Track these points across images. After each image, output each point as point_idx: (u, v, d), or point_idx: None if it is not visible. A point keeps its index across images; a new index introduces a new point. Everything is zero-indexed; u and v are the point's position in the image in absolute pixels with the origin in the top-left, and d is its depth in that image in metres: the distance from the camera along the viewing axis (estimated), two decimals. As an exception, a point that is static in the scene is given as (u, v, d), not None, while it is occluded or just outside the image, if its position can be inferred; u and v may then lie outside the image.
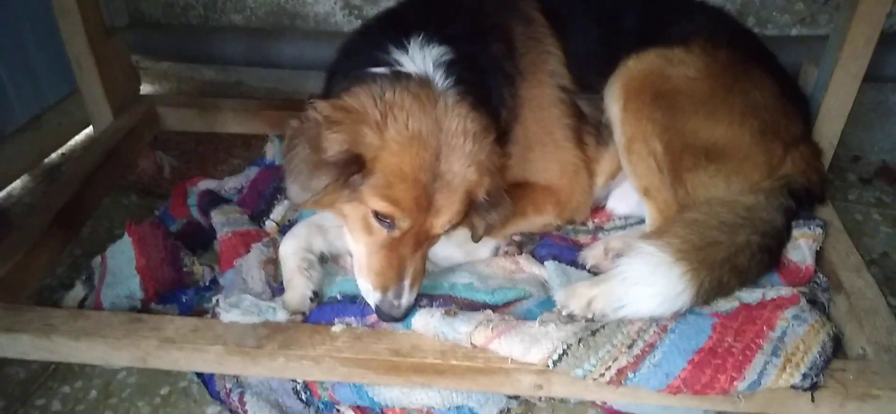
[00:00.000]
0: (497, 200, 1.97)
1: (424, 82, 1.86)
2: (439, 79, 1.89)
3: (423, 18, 2.08)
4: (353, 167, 1.76)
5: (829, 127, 2.46)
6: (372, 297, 1.85)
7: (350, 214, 1.88)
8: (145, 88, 3.73)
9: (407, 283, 1.83)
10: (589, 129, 2.34)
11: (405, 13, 2.22)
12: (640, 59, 2.23)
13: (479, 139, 1.85)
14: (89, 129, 3.31)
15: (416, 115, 1.78)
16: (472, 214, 1.95)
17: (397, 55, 1.92)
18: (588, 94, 2.32)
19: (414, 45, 1.95)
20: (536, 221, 2.28)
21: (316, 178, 1.76)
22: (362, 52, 2.02)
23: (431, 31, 1.99)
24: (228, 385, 1.99)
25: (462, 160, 1.81)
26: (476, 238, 2.07)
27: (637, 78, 2.20)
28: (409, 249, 1.83)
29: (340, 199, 1.85)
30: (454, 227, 1.90)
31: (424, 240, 1.88)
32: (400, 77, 1.85)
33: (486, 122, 1.90)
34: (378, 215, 1.80)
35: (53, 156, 3.31)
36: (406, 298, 1.82)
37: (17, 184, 3.12)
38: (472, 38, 2.09)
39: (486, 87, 2.04)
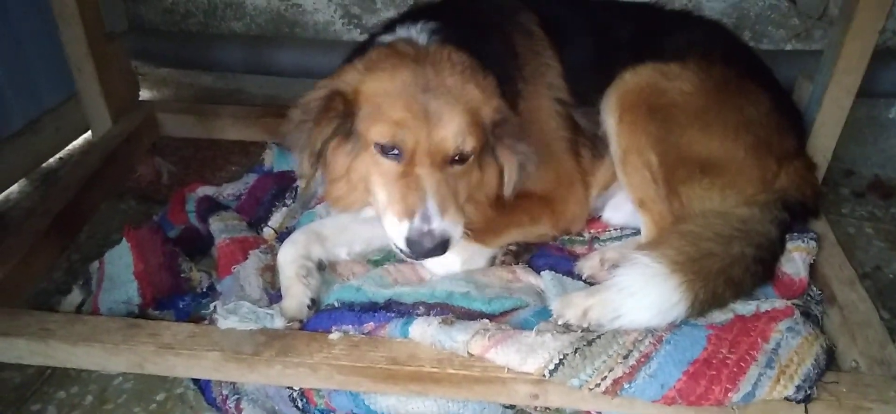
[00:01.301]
0: (515, 130, 1.95)
1: (406, 40, 1.96)
2: (427, 38, 1.99)
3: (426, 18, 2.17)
4: (338, 105, 1.85)
5: (823, 141, 2.48)
6: (400, 232, 1.79)
7: (363, 170, 1.92)
8: (144, 94, 3.73)
9: (433, 204, 1.77)
10: (585, 141, 2.37)
11: (408, 16, 2.27)
12: (636, 72, 2.25)
13: (475, 70, 1.89)
14: (88, 134, 3.32)
15: (392, 54, 1.90)
16: (497, 148, 1.94)
17: (390, 34, 2.03)
18: (584, 107, 2.35)
19: (410, 25, 2.05)
20: (533, 231, 2.29)
21: (309, 133, 1.86)
22: (361, 47, 2.13)
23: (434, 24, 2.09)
24: (225, 392, 1.99)
25: (454, 77, 1.84)
26: (510, 185, 2.02)
27: (633, 91, 2.22)
28: (426, 169, 1.81)
29: (346, 156, 1.91)
30: (472, 151, 1.85)
31: (441, 159, 1.82)
32: (383, 44, 1.98)
33: (483, 68, 1.94)
34: (383, 149, 1.83)
35: (51, 160, 3.31)
36: (437, 223, 1.76)
37: (14, 188, 3.12)
38: (473, 33, 2.15)
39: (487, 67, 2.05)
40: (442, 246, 1.79)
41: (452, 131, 1.81)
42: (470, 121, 1.84)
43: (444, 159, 1.84)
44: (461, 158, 1.88)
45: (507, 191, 2.04)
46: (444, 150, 1.83)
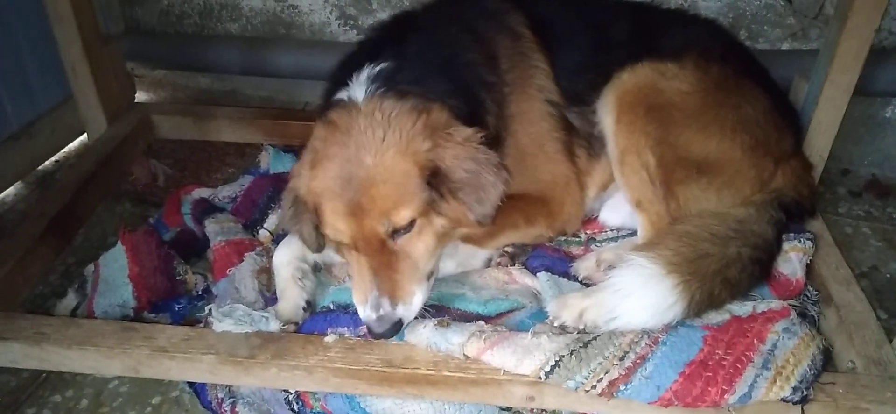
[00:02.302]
0: (469, 177, 1.86)
1: (346, 104, 1.93)
2: (365, 93, 1.94)
3: (393, 38, 2.18)
4: (302, 208, 1.92)
5: (820, 140, 2.48)
6: (361, 314, 1.83)
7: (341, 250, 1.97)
8: (140, 96, 3.72)
9: (375, 295, 1.78)
10: (580, 142, 2.36)
11: (380, 34, 2.29)
12: (633, 72, 2.25)
13: (400, 122, 1.83)
14: (83, 137, 3.31)
15: (327, 138, 1.86)
16: (448, 199, 1.86)
17: (343, 91, 2.00)
18: (578, 107, 2.34)
19: (359, 74, 2.01)
20: (529, 232, 2.28)
21: (299, 232, 1.97)
22: (328, 89, 2.15)
23: (390, 51, 2.07)
24: (220, 395, 1.99)
25: (375, 150, 1.80)
26: (473, 228, 1.97)
27: (631, 91, 2.21)
28: (366, 257, 1.82)
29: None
30: (410, 218, 1.81)
31: (379, 243, 1.81)
32: (329, 110, 1.96)
33: (418, 105, 1.88)
34: (338, 242, 1.88)
35: (47, 163, 3.31)
36: (385, 310, 1.77)
37: (9, 191, 3.12)
38: (437, 54, 2.13)
39: (448, 88, 2.02)
40: (394, 329, 1.80)
41: (377, 218, 1.79)
42: (396, 195, 1.79)
43: (381, 242, 1.82)
44: (404, 230, 1.83)
45: (476, 224, 1.95)
46: (376, 235, 1.81)
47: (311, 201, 1.88)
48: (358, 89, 1.96)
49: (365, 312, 1.80)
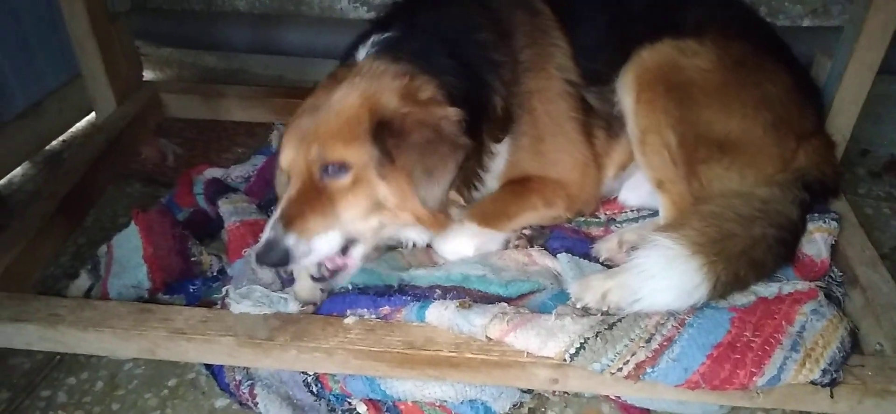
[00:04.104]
0: (423, 144, 1.75)
1: (347, 65, 1.97)
2: (365, 55, 1.99)
3: (405, 10, 2.18)
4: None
5: (842, 119, 2.44)
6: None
7: None
8: (146, 75, 3.68)
9: (276, 215, 1.74)
10: (599, 122, 2.31)
11: (393, 10, 2.25)
12: (653, 49, 2.20)
13: (379, 76, 1.84)
14: (91, 116, 3.27)
15: (321, 86, 1.93)
16: (396, 158, 1.75)
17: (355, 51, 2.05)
18: (597, 87, 2.29)
19: (366, 42, 2.04)
20: (547, 214, 2.25)
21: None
22: (341, 60, 2.14)
23: (400, 23, 2.09)
24: (238, 377, 1.96)
25: (344, 91, 1.82)
26: (418, 214, 1.84)
27: (651, 69, 2.17)
28: (295, 188, 1.80)
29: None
30: (341, 160, 1.75)
31: (306, 172, 1.78)
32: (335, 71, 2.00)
33: (406, 70, 1.86)
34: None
35: (54, 143, 3.27)
36: (275, 234, 1.71)
37: (17, 171, 3.08)
38: (445, 23, 2.11)
39: (449, 65, 1.97)
40: (277, 256, 1.71)
41: (311, 142, 1.76)
42: (337, 129, 1.76)
43: (308, 172, 1.78)
44: (334, 169, 1.77)
45: (419, 205, 1.82)
46: (306, 163, 1.78)
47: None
48: (362, 53, 2.01)
49: (265, 234, 1.75)
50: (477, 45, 2.10)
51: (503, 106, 2.09)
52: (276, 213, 1.76)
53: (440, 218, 1.90)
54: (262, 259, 1.75)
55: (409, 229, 1.99)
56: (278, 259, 1.73)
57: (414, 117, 1.79)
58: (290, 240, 1.72)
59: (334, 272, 1.88)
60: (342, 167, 1.78)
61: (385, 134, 1.76)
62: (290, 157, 1.82)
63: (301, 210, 1.75)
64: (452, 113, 1.84)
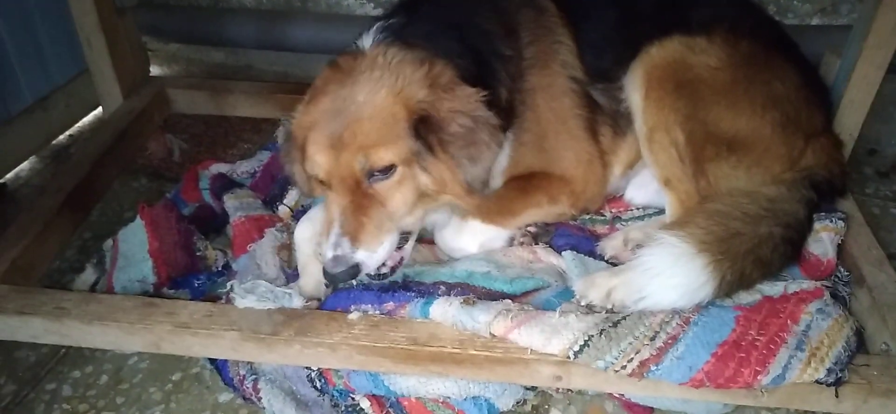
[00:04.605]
0: (463, 132, 1.80)
1: (353, 52, 1.93)
2: (372, 42, 1.94)
3: (409, 5, 2.15)
4: (293, 148, 1.92)
5: (851, 118, 2.42)
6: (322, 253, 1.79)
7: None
8: (153, 71, 3.68)
9: (336, 233, 1.73)
10: (605, 119, 2.31)
11: (397, 5, 2.23)
12: (661, 46, 2.19)
13: (401, 68, 1.81)
14: (98, 111, 3.29)
15: (329, 77, 1.87)
16: (438, 152, 1.79)
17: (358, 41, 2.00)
18: (603, 84, 2.28)
19: (369, 29, 2.01)
20: (551, 211, 2.24)
21: (287, 173, 2.02)
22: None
23: (403, 11, 2.07)
24: (242, 372, 1.97)
25: (369, 89, 1.77)
26: (456, 185, 1.84)
27: (659, 66, 2.16)
28: (337, 195, 1.78)
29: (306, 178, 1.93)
30: (390, 163, 1.76)
31: (353, 182, 1.77)
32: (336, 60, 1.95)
33: (423, 56, 1.85)
34: (318, 180, 1.85)
35: (61, 137, 3.29)
36: (343, 250, 1.72)
37: (24, 165, 3.10)
38: (450, 13, 2.11)
39: (459, 49, 1.98)
40: (349, 273, 1.75)
41: (354, 153, 1.74)
42: (378, 134, 1.74)
43: (355, 182, 1.78)
44: (381, 173, 1.78)
45: (463, 189, 1.85)
46: (351, 173, 1.77)
47: (300, 136, 1.86)
48: (367, 39, 1.97)
49: (324, 251, 1.76)
50: (484, 35, 2.10)
51: (507, 98, 2.08)
52: (335, 228, 1.75)
53: (476, 194, 1.92)
54: (333, 276, 1.76)
55: (443, 209, 2.03)
56: (350, 274, 1.76)
57: (448, 106, 1.81)
58: (359, 254, 1.75)
59: (393, 267, 1.91)
60: (389, 169, 1.79)
61: (425, 129, 1.78)
62: (328, 167, 1.77)
63: (359, 221, 1.76)
64: (477, 93, 1.85)
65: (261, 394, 1.91)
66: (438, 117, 1.79)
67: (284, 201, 2.42)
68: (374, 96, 1.77)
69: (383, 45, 1.90)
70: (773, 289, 1.89)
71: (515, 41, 2.17)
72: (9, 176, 3.01)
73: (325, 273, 1.77)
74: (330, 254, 1.73)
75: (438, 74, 1.84)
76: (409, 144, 1.78)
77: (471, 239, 2.15)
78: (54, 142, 3.25)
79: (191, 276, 2.18)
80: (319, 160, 1.78)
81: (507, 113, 2.07)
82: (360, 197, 1.78)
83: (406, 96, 1.78)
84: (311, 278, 1.99)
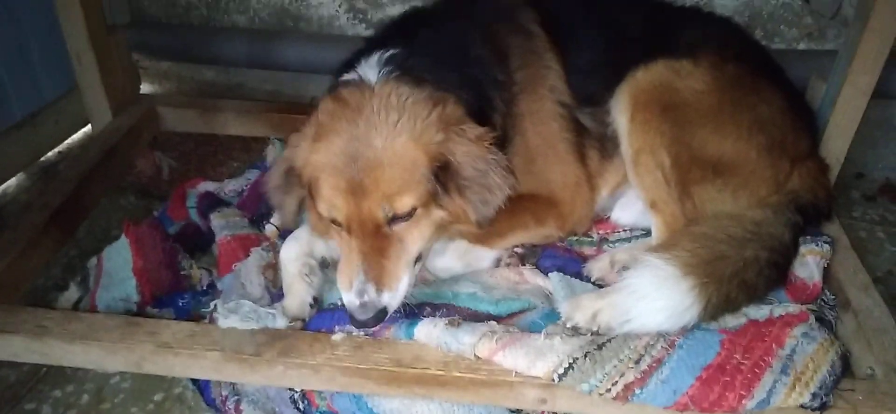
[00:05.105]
0: (478, 176, 1.83)
1: (358, 83, 1.89)
2: (377, 74, 1.91)
3: (402, 31, 2.16)
4: (294, 180, 1.89)
5: (837, 143, 2.44)
6: (345, 301, 1.78)
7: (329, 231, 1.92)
8: (145, 88, 3.69)
9: (361, 279, 1.73)
10: (592, 143, 2.32)
11: (389, 30, 2.25)
12: (647, 70, 2.21)
13: (415, 110, 1.79)
14: (87, 128, 3.28)
15: (335, 113, 1.81)
16: (453, 195, 1.82)
17: (352, 73, 1.96)
18: (590, 108, 2.30)
19: (369, 58, 1.98)
20: (538, 233, 2.24)
21: (281, 202, 1.98)
22: (336, 74, 2.10)
23: (400, 41, 2.04)
24: (224, 393, 1.95)
25: (386, 134, 1.75)
26: (474, 221, 1.88)
27: (646, 90, 2.17)
28: (358, 239, 1.77)
29: (317, 212, 1.88)
30: (411, 208, 1.76)
31: (374, 227, 1.76)
32: (338, 88, 1.91)
33: (434, 95, 1.84)
34: (332, 220, 1.82)
35: (50, 154, 3.27)
36: (369, 297, 1.71)
37: (12, 182, 3.08)
38: (446, 49, 2.09)
39: (459, 80, 1.99)
40: (377, 317, 1.74)
41: (378, 201, 1.74)
42: (401, 181, 1.75)
43: (376, 227, 1.78)
44: (402, 217, 1.78)
45: (475, 225, 1.90)
46: (373, 219, 1.76)
47: (307, 175, 1.84)
48: (369, 71, 1.93)
49: (349, 298, 1.75)
50: (479, 63, 2.11)
51: (501, 123, 2.09)
52: (360, 275, 1.73)
53: (484, 226, 1.93)
54: (362, 322, 1.74)
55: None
56: (378, 319, 1.75)
57: (464, 150, 1.82)
58: (384, 297, 1.74)
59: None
60: (410, 213, 1.79)
61: (443, 174, 1.80)
62: (348, 213, 1.76)
63: (380, 264, 1.75)
64: (487, 134, 1.87)
65: (243, 415, 1.89)
66: (456, 162, 1.81)
67: (271, 221, 2.41)
68: (393, 142, 1.75)
69: (392, 82, 1.86)
70: (759, 312, 1.89)
71: (507, 66, 2.19)
72: (-4, 192, 2.99)
73: (353, 320, 1.76)
74: (357, 301, 1.73)
75: (450, 114, 1.84)
76: (428, 187, 1.78)
77: (457, 259, 2.14)
78: (43, 158, 3.24)
79: (175, 295, 2.17)
80: (339, 205, 1.76)
81: (501, 138, 2.07)
82: (380, 239, 1.78)
83: (426, 142, 1.77)
84: (296, 298, 1.97)
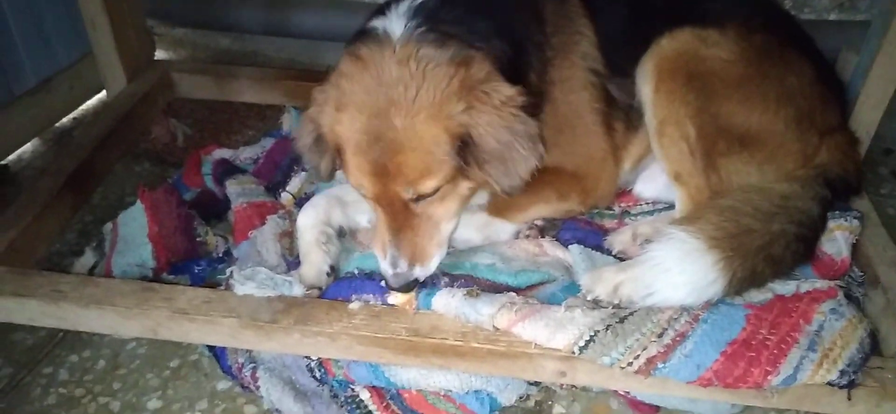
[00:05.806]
0: (500, 149, 1.74)
1: (379, 37, 1.78)
2: (403, 27, 1.79)
3: None
4: (324, 146, 1.85)
5: (867, 116, 2.36)
6: (382, 267, 1.81)
7: None
8: (159, 55, 3.66)
9: (393, 252, 1.75)
10: (619, 113, 2.26)
11: None
12: (673, 38, 2.13)
13: (436, 78, 1.69)
14: (102, 94, 3.26)
15: (354, 79, 1.73)
16: (474, 168, 1.76)
17: (379, 19, 1.85)
18: (619, 78, 2.23)
19: (398, 5, 1.87)
20: (561, 206, 2.20)
21: (310, 161, 1.95)
22: (376, 11, 1.96)
23: None
24: (240, 360, 1.94)
25: (406, 110, 1.67)
26: (499, 198, 1.91)
27: (670, 58, 2.11)
28: (388, 215, 1.76)
29: None
30: (436, 186, 1.72)
31: (401, 205, 1.74)
32: (361, 40, 1.81)
33: (457, 55, 1.73)
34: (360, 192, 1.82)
35: (65, 120, 3.26)
36: (402, 268, 1.76)
37: (27, 147, 3.07)
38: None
39: (494, 29, 1.89)
40: (410, 286, 1.79)
41: (401, 184, 1.70)
42: (423, 165, 1.69)
43: (403, 204, 1.75)
44: (426, 196, 1.75)
45: (502, 194, 1.87)
46: (399, 198, 1.74)
47: (333, 142, 1.80)
48: (396, 22, 1.81)
49: (383, 266, 1.79)
50: (518, 18, 2.04)
51: (536, 83, 2.01)
52: (391, 249, 1.76)
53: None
54: (394, 287, 1.79)
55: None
56: (410, 287, 1.81)
57: (486, 120, 1.72)
58: (416, 270, 1.78)
59: None
60: (435, 191, 1.76)
61: (464, 149, 1.73)
62: (375, 192, 1.75)
63: (412, 242, 1.77)
64: (516, 96, 1.76)
65: (259, 383, 1.88)
66: (476, 134, 1.73)
67: (287, 188, 2.39)
68: (413, 121, 1.67)
69: (414, 42, 1.74)
70: (785, 288, 1.84)
71: (543, 28, 2.11)
72: (11, 157, 2.98)
73: (386, 283, 1.81)
74: (390, 271, 1.77)
75: (474, 76, 1.74)
76: (451, 165, 1.73)
77: (475, 231, 2.10)
78: (58, 124, 3.22)
79: (191, 261, 2.15)
80: (365, 184, 1.75)
81: (533, 102, 1.96)
82: (409, 216, 1.77)
83: (446, 115, 1.69)
84: (313, 267, 1.95)
